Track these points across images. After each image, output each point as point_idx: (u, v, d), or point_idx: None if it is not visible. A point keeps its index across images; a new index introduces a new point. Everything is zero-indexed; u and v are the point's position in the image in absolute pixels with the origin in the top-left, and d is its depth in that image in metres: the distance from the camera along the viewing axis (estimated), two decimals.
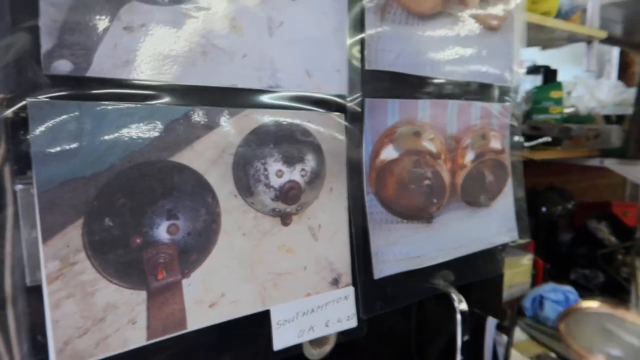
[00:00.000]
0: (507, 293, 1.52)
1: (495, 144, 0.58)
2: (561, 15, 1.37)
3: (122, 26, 0.35)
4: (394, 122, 0.49)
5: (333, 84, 0.44)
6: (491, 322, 0.75)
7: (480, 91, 0.56)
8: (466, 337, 0.67)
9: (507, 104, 0.59)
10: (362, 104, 0.46)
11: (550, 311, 1.45)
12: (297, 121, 0.43)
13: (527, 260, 1.59)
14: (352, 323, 0.47)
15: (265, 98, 0.41)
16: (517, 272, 1.56)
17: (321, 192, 0.44)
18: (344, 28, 0.45)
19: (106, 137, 0.34)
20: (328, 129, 0.44)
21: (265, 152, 0.41)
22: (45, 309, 0.32)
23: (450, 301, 0.64)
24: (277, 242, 0.42)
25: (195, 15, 0.38)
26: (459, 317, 0.65)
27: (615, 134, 1.46)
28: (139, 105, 0.36)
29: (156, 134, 0.36)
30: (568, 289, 1.50)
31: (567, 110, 1.76)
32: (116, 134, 0.35)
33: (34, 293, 0.33)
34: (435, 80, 0.52)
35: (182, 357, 0.39)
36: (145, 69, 0.36)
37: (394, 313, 0.64)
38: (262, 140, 0.41)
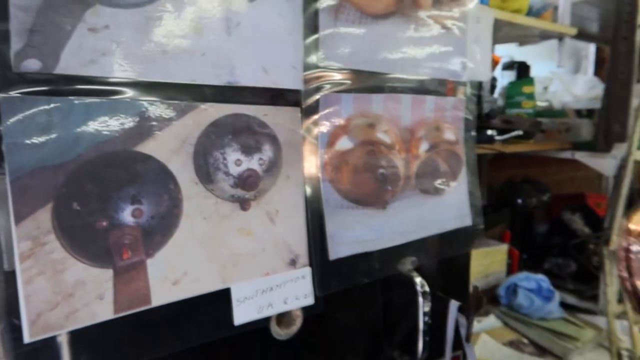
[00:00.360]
0: (483, 282, 1.58)
1: (449, 135, 0.62)
2: (533, 13, 1.41)
3: (87, 27, 0.38)
4: (348, 114, 0.53)
5: (289, 80, 0.48)
6: (453, 305, 0.79)
7: (434, 86, 0.60)
8: (427, 319, 0.71)
9: (461, 98, 0.63)
10: (317, 98, 0.50)
11: (523, 299, 1.51)
12: (254, 114, 0.46)
13: (502, 250, 1.64)
14: (310, 300, 0.51)
15: (224, 93, 0.45)
16: (493, 262, 1.61)
17: (278, 179, 0.48)
18: (299, 28, 0.49)
19: (74, 129, 0.38)
20: (284, 122, 0.48)
21: (224, 143, 0.45)
22: (18, 284, 0.36)
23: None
24: (236, 225, 0.46)
25: (156, 17, 0.41)
26: (420, 299, 0.69)
27: (586, 128, 1.51)
28: (104, 100, 0.39)
29: (120, 126, 0.40)
30: (541, 277, 1.56)
31: (542, 105, 1.81)
32: (83, 127, 0.38)
33: (12, 277, 0.36)
34: (390, 76, 0.55)
35: (148, 330, 0.42)
36: (109, 66, 0.39)
37: (361, 296, 0.68)
38: (221, 132, 0.45)
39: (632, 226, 0.96)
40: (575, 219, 1.81)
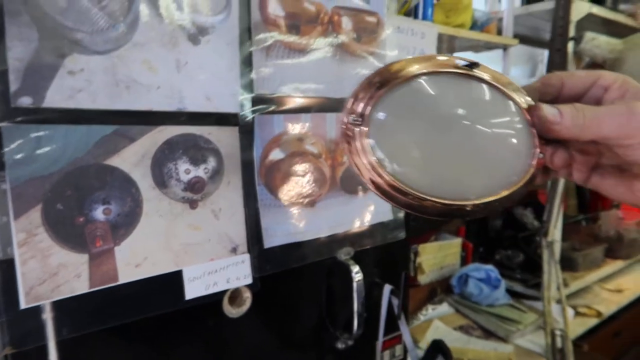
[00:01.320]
0: (438, 273, 1.73)
1: None
2: (477, 26, 1.55)
3: (66, 71, 0.51)
4: (279, 131, 0.66)
5: (228, 105, 0.61)
6: (387, 288, 0.93)
7: None
8: (361, 300, 0.85)
9: None
10: (252, 119, 0.63)
11: (473, 288, 1.65)
12: (201, 133, 0.59)
13: (456, 244, 1.79)
14: (248, 280, 0.64)
15: (175, 117, 0.58)
16: (447, 255, 1.76)
17: (221, 184, 0.61)
18: (237, 65, 0.62)
19: (57, 149, 0.50)
20: (225, 138, 0.61)
21: (176, 156, 0.58)
22: (15, 265, 0.48)
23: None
24: (186, 221, 0.59)
25: (121, 60, 0.54)
26: (354, 284, 0.82)
27: None
28: (80, 126, 0.52)
29: (93, 146, 0.53)
30: (490, 267, 1.71)
31: None
32: (64, 147, 0.51)
33: (4, 265, 0.48)
34: (315, 99, 0.69)
35: (116, 301, 0.55)
36: (84, 100, 0.52)
37: (305, 282, 0.81)
38: (173, 148, 0.58)
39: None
40: (526, 214, 1.97)
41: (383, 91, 0.36)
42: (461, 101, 0.37)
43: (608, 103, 0.36)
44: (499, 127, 0.37)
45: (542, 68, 2.53)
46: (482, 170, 0.37)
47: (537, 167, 0.37)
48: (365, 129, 0.35)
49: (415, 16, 1.30)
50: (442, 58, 0.38)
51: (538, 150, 0.37)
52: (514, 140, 0.37)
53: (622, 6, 1.61)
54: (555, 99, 0.39)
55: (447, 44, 1.55)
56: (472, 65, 0.38)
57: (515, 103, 0.37)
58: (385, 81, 0.36)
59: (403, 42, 1.22)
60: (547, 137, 0.37)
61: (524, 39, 2.15)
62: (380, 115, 0.36)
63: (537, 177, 0.38)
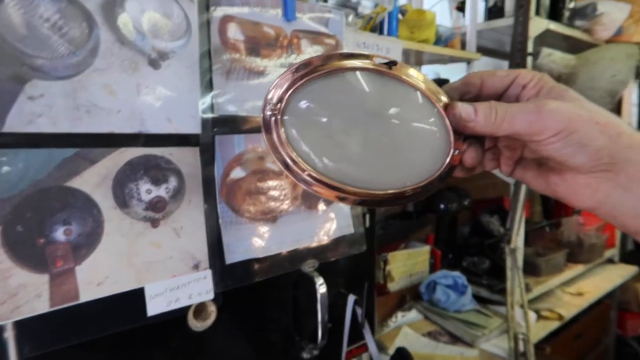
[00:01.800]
0: (407, 280, 1.76)
1: None
2: (442, 41, 1.60)
3: (26, 97, 0.52)
4: (240, 150, 0.68)
5: (189, 126, 0.63)
6: (351, 298, 0.96)
7: None
8: (325, 310, 0.87)
9: None
10: (213, 139, 0.65)
11: (441, 294, 1.70)
12: (161, 154, 0.61)
13: (425, 251, 1.83)
14: (210, 296, 0.66)
15: (137, 139, 0.60)
16: (416, 263, 1.79)
17: (182, 203, 0.63)
18: (197, 86, 0.64)
19: (18, 172, 0.52)
20: (186, 158, 0.63)
21: (137, 177, 0.60)
22: None
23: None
24: (148, 240, 0.61)
25: (81, 86, 0.55)
26: (319, 295, 0.85)
27: None
28: (40, 150, 0.53)
29: (53, 168, 0.54)
30: (457, 274, 1.76)
31: None
32: (25, 170, 0.52)
33: None
34: None
35: (78, 320, 0.56)
36: (44, 125, 0.53)
37: (272, 294, 0.84)
38: (134, 169, 0.59)
39: None
40: (493, 221, 2.03)
41: (303, 81, 0.36)
42: (380, 97, 0.38)
43: (524, 100, 0.38)
44: (417, 123, 0.39)
45: None
46: (399, 163, 0.39)
47: (452, 163, 0.39)
48: (283, 118, 0.36)
49: (381, 32, 1.34)
50: (363, 55, 0.38)
51: (453, 147, 0.39)
52: (431, 137, 0.39)
53: (577, 22, 1.69)
54: (476, 97, 0.40)
55: (414, 58, 1.59)
56: (390, 63, 0.38)
57: (433, 102, 0.39)
58: (305, 73, 0.37)
59: None
60: (464, 134, 0.39)
61: (487, 52, 2.23)
62: (302, 104, 0.37)
63: (458, 171, 0.40)
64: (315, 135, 0.37)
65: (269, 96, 0.36)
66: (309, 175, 0.36)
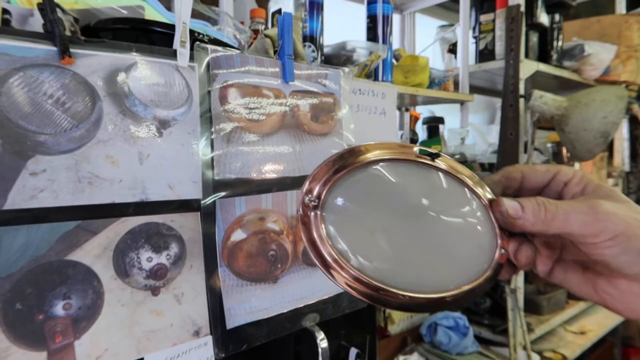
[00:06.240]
0: (408, 322, 1.74)
1: None
2: (436, 84, 1.63)
3: (28, 173, 0.52)
4: (241, 212, 0.68)
5: (190, 192, 0.64)
6: (352, 352, 0.94)
7: None
8: None
9: None
10: (214, 203, 0.65)
11: (442, 336, 1.67)
12: (162, 221, 0.61)
13: None
14: None
15: (138, 207, 0.60)
16: None
17: (183, 269, 0.63)
18: (198, 152, 0.64)
19: (19, 248, 0.51)
20: (187, 224, 0.63)
21: (138, 245, 0.59)
22: None
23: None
24: (149, 308, 0.60)
25: (83, 159, 0.56)
26: (320, 350, 0.84)
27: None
28: (41, 225, 0.53)
29: (54, 242, 0.54)
30: (458, 315, 1.74)
31: (456, 157, 2.03)
32: (25, 247, 0.52)
33: None
34: (274, 178, 0.72)
35: None
36: (46, 199, 0.53)
37: (273, 350, 0.82)
38: (135, 238, 0.59)
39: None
40: None
41: (341, 174, 0.35)
42: (422, 191, 0.36)
43: (569, 197, 0.37)
44: (461, 220, 0.36)
45: (500, 115, 2.65)
46: (442, 263, 0.36)
47: (499, 263, 0.36)
48: (323, 214, 0.34)
49: (376, 78, 1.37)
50: (404, 146, 0.37)
51: (500, 245, 0.36)
52: (476, 235, 0.36)
53: (566, 63, 1.73)
54: (517, 192, 0.39)
55: (409, 99, 1.62)
56: (433, 155, 0.37)
57: (477, 196, 0.37)
58: (343, 165, 0.35)
59: (365, 103, 1.28)
60: (511, 231, 0.36)
61: (481, 90, 2.27)
62: (339, 200, 0.35)
63: (503, 272, 0.37)
64: (355, 232, 0.35)
65: (307, 188, 0.35)
66: (349, 273, 0.34)
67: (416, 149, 0.37)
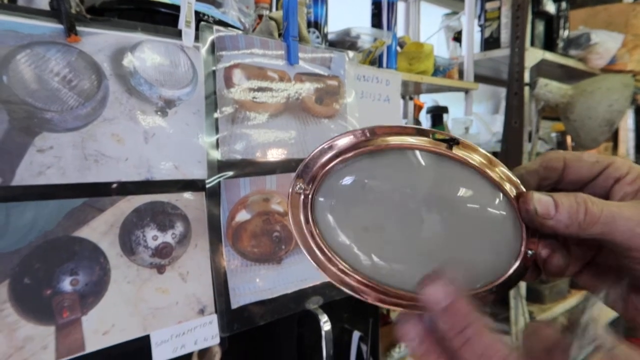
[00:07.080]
0: None
1: None
2: (440, 71, 1.62)
3: (36, 149, 0.53)
4: (246, 193, 0.69)
5: (195, 172, 0.64)
6: (355, 335, 0.95)
7: None
8: (329, 346, 0.86)
9: None
10: (219, 183, 0.66)
11: None
12: (168, 200, 0.62)
13: None
14: (216, 341, 0.65)
15: (144, 186, 0.60)
16: None
17: (188, 247, 0.63)
18: (203, 132, 0.65)
19: (26, 224, 0.52)
20: (193, 204, 0.64)
21: (144, 224, 0.60)
22: None
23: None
24: (154, 286, 0.61)
25: (90, 136, 0.56)
26: (323, 332, 0.84)
27: None
28: (49, 201, 0.53)
29: (62, 218, 0.54)
30: None
31: None
32: (33, 222, 0.52)
33: None
34: (278, 160, 0.72)
35: None
36: (54, 176, 0.54)
37: (276, 331, 0.83)
38: (141, 216, 0.60)
39: None
40: None
41: (342, 158, 0.30)
42: (436, 182, 0.31)
43: (618, 198, 0.31)
44: (480, 216, 0.31)
45: (504, 104, 2.65)
46: (456, 265, 0.31)
47: (523, 265, 0.32)
48: (320, 198, 0.30)
49: (380, 65, 1.36)
50: (417, 131, 0.32)
51: (525, 246, 0.31)
52: (498, 233, 0.32)
53: (572, 51, 1.72)
54: (556, 183, 0.33)
55: (413, 88, 1.62)
56: (451, 141, 0.31)
57: (501, 189, 0.31)
58: (347, 148, 0.30)
59: (369, 90, 1.28)
60: (540, 231, 0.31)
61: (485, 79, 2.26)
62: (342, 185, 0.30)
63: (528, 275, 0.32)
64: (358, 225, 0.31)
65: (300, 170, 0.30)
66: (356, 280, 0.30)
67: (432, 134, 0.32)
